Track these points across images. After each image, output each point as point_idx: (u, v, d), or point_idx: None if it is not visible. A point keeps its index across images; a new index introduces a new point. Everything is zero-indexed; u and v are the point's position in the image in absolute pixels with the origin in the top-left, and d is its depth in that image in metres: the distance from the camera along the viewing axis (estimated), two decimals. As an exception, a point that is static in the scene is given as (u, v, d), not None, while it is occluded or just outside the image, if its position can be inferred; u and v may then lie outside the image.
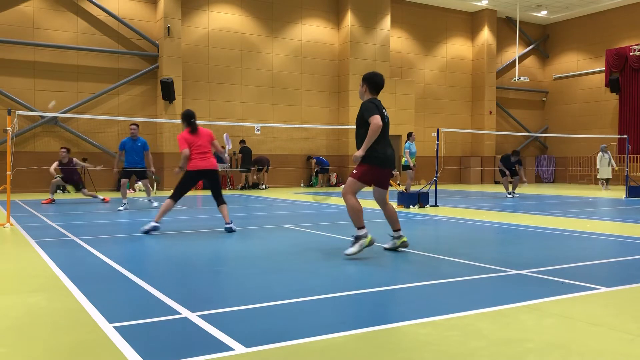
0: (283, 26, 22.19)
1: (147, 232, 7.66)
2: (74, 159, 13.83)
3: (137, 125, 11.83)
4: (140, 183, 19.03)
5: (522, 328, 3.36)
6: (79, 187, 13.87)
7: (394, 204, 12.37)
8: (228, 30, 21.07)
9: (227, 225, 7.86)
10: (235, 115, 21.07)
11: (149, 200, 12.60)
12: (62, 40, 18.54)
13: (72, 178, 13.68)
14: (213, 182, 7.90)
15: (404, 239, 6.19)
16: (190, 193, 17.51)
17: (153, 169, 12.10)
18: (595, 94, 26.86)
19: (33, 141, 18.16)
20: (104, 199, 13.81)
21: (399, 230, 6.20)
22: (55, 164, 13.68)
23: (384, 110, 5.94)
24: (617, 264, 5.62)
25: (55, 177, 13.78)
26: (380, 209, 6.29)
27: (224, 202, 7.98)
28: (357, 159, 5.72)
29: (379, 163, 5.83)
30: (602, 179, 21.08)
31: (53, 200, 13.64)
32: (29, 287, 4.55)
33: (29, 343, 3.14)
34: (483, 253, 6.25)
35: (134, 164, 11.71)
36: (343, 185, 6.03)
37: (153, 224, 7.70)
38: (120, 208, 11.55)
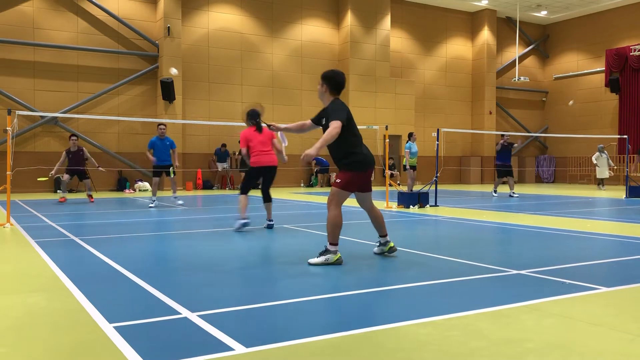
0: (283, 26, 22.19)
1: (238, 229, 7.87)
2: (84, 149, 13.86)
3: (165, 125, 12.46)
4: (141, 183, 19.11)
5: (522, 328, 3.36)
6: (84, 177, 13.75)
7: (394, 204, 12.39)
8: (228, 30, 21.07)
9: (270, 222, 8.28)
10: (235, 115, 21.07)
11: (175, 197, 12.82)
12: (62, 40, 18.54)
13: (78, 166, 13.58)
14: (270, 178, 8.21)
15: (391, 244, 5.87)
16: (190, 193, 17.52)
17: (177, 164, 12.62)
18: (595, 94, 26.86)
19: (33, 141, 18.16)
20: (90, 197, 13.83)
21: (385, 235, 5.86)
22: (61, 159, 13.55)
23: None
24: (617, 264, 5.62)
25: (62, 176, 13.80)
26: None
27: (270, 200, 8.36)
28: (309, 157, 5.13)
29: (361, 168, 5.48)
30: (600, 179, 21.13)
31: (65, 199, 13.70)
32: (29, 287, 4.55)
33: (29, 343, 3.14)
34: (483, 253, 6.25)
35: (162, 162, 12.24)
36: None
37: (241, 221, 7.88)
38: (151, 205, 12.23)
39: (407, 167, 15.98)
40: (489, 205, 13.08)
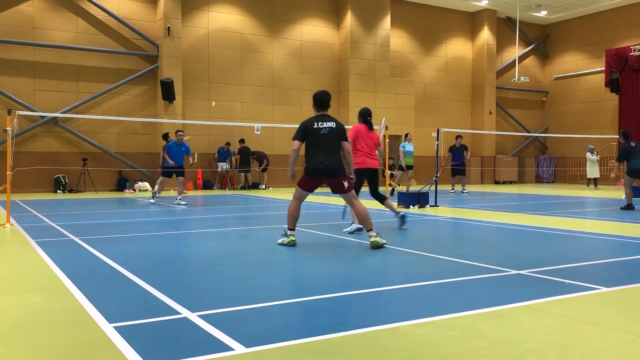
0: (283, 26, 22.19)
1: (351, 232, 7.86)
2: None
3: (183, 131, 13.55)
4: (141, 183, 19.11)
5: (522, 328, 3.36)
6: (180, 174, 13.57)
7: (394, 204, 12.39)
8: (228, 30, 21.07)
9: (400, 213, 8.27)
10: (235, 115, 21.07)
11: (179, 199, 13.14)
12: (62, 40, 18.54)
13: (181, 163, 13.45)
14: (374, 180, 8.21)
15: (374, 239, 6.37)
16: (190, 193, 17.51)
17: (193, 161, 13.73)
18: (595, 94, 26.85)
19: (33, 141, 18.16)
20: (154, 194, 13.69)
21: (370, 230, 6.49)
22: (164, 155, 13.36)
23: (320, 124, 6.52)
24: (617, 264, 5.62)
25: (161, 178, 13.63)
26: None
27: (385, 197, 8.39)
28: (290, 176, 6.64)
29: (307, 173, 6.60)
30: (591, 179, 21.21)
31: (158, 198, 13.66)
32: (29, 287, 4.55)
33: (29, 343, 3.14)
34: (483, 253, 6.25)
35: (176, 164, 13.13)
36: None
37: (355, 225, 7.83)
38: (152, 201, 13.25)
39: (404, 166, 16.48)
40: (489, 205, 13.08)
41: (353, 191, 6.76)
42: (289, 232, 6.65)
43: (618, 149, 14.15)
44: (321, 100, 6.66)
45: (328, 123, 6.57)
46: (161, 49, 19.48)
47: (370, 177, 8.14)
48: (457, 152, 17.35)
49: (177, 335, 3.23)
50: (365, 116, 8.10)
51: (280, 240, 6.72)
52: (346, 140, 6.70)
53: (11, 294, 4.33)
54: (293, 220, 6.70)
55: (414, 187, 19.29)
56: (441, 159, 16.74)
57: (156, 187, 13.50)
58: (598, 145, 25.70)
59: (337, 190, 6.65)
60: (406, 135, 17.19)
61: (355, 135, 7.91)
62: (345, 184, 6.59)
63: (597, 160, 20.90)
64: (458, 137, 17.56)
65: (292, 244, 6.56)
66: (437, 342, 3.10)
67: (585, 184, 22.79)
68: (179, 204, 12.84)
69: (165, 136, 14.91)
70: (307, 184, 6.67)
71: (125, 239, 7.34)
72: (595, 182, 21.36)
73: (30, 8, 18.15)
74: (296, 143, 6.56)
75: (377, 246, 6.32)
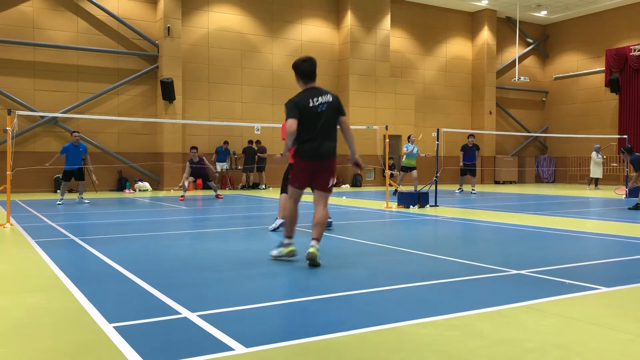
0: (283, 26, 22.19)
1: (276, 228, 7.94)
2: (204, 158, 15.61)
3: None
4: (141, 183, 19.10)
5: (522, 328, 3.36)
6: (208, 179, 15.55)
7: (394, 204, 12.39)
8: (228, 30, 21.07)
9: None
10: (235, 115, 21.06)
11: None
12: (62, 40, 18.54)
13: (202, 173, 15.35)
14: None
15: (311, 253, 5.27)
16: (189, 193, 17.51)
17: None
18: (595, 94, 26.84)
19: (33, 141, 18.16)
20: (218, 196, 15.42)
21: (314, 239, 5.37)
22: (187, 166, 15.22)
23: (316, 100, 5.39)
24: (617, 264, 5.62)
25: (185, 182, 15.21)
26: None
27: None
28: (281, 154, 5.93)
29: (300, 155, 5.47)
30: (592, 178, 21.20)
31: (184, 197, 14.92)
32: (29, 287, 4.55)
33: (29, 343, 3.14)
34: (483, 253, 6.25)
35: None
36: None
37: (280, 221, 7.77)
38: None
39: (394, 170, 16.67)
40: (489, 205, 13.08)
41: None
42: (286, 241, 5.54)
43: (630, 162, 14.28)
44: (306, 71, 5.48)
45: (324, 97, 5.44)
46: (161, 49, 19.48)
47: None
48: (469, 151, 17.11)
49: (177, 335, 3.23)
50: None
51: (275, 252, 5.60)
52: (344, 114, 5.61)
53: (11, 294, 4.33)
54: (290, 224, 5.57)
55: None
56: (441, 159, 16.72)
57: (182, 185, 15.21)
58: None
59: (322, 185, 5.56)
60: (408, 138, 16.81)
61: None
62: (331, 181, 5.60)
63: (602, 161, 20.87)
64: (470, 136, 17.38)
65: (292, 255, 5.49)
66: (437, 342, 3.10)
67: (586, 183, 22.78)
68: (218, 199, 14.51)
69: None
70: (300, 174, 5.54)
71: (125, 239, 7.34)
72: (596, 182, 21.37)
73: (30, 8, 18.15)
74: (292, 121, 5.29)
75: (312, 259, 5.26)
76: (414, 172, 16.17)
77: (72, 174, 13.31)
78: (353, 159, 5.80)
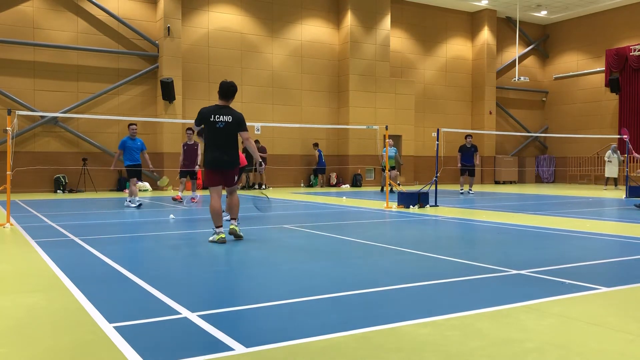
0: (283, 26, 22.18)
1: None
2: (198, 143, 13.60)
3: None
4: (140, 183, 19.10)
5: (522, 328, 3.36)
6: (194, 177, 13.96)
7: (394, 204, 12.40)
8: (228, 30, 21.07)
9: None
10: (235, 115, 21.04)
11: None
12: (62, 40, 18.54)
13: (194, 161, 13.61)
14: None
15: (234, 227, 6.96)
16: (190, 193, 17.49)
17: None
18: (595, 94, 26.85)
19: (33, 141, 18.16)
20: (192, 199, 14.00)
21: (232, 219, 7.14)
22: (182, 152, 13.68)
23: (218, 117, 6.75)
24: (617, 264, 5.62)
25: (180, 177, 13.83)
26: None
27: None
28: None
29: (207, 166, 6.83)
30: (609, 178, 21.16)
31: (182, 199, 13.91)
32: (29, 287, 4.55)
33: (29, 343, 3.14)
34: (483, 253, 6.25)
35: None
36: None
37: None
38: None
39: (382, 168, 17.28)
40: (489, 205, 13.08)
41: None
42: (217, 230, 6.80)
43: None
44: (223, 90, 6.89)
45: (225, 117, 6.79)
46: (161, 49, 19.48)
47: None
48: (467, 152, 16.99)
49: (177, 335, 3.23)
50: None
51: (210, 238, 6.88)
52: (245, 130, 6.93)
53: (11, 294, 4.33)
54: (216, 216, 6.83)
55: (412, 187, 19.31)
56: (441, 159, 16.78)
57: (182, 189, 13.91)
58: (598, 145, 25.73)
59: (230, 182, 7.00)
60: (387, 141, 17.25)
61: None
62: (236, 178, 7.06)
63: (621, 160, 20.73)
64: (468, 136, 17.29)
65: (222, 241, 6.70)
66: (437, 342, 3.10)
67: (589, 183, 22.75)
68: (189, 202, 13.35)
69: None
70: (212, 178, 6.87)
71: (126, 239, 7.34)
72: (615, 182, 21.31)
73: (30, 8, 18.14)
74: (197, 128, 6.97)
75: (234, 233, 6.91)
76: (393, 172, 17.20)
77: (137, 170, 12.37)
78: (255, 165, 7.20)
